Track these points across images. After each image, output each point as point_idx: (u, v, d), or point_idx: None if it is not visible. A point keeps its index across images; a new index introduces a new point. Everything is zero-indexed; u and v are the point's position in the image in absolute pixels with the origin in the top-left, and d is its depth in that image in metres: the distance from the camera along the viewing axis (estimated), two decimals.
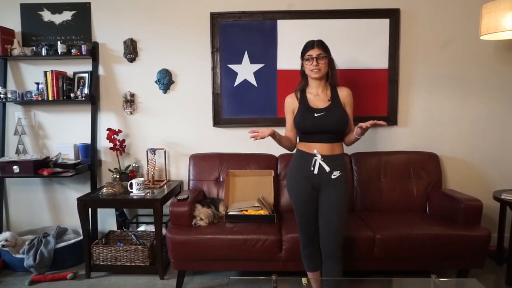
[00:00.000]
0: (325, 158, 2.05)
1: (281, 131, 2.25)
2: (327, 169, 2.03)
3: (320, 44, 2.08)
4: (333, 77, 2.14)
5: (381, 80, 3.03)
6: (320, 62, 2.06)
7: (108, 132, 3.02)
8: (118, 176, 3.04)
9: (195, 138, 3.19)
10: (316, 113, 2.07)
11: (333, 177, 2.04)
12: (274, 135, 2.08)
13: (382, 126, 3.06)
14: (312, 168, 2.06)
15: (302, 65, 2.16)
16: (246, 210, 2.68)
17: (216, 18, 3.03)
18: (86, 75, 3.11)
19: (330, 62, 2.11)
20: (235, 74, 3.08)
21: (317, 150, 2.06)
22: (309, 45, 2.09)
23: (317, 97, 2.13)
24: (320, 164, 2.04)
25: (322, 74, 2.09)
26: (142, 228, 3.11)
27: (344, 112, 2.12)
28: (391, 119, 3.06)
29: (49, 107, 3.20)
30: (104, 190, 2.75)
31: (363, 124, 1.97)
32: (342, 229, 2.07)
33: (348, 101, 2.16)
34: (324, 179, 2.06)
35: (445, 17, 2.99)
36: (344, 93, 2.15)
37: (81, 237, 2.87)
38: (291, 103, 2.19)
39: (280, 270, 2.42)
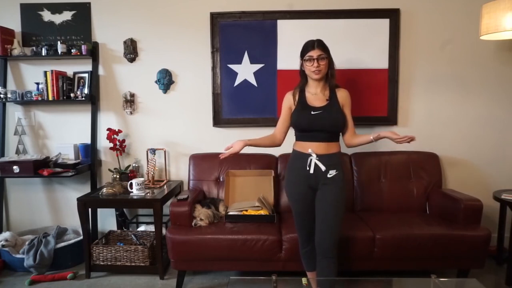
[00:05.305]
0: (320, 157, 2.06)
1: None
2: (323, 168, 2.04)
3: (320, 45, 2.07)
4: (332, 77, 2.14)
5: (381, 80, 3.03)
6: (321, 63, 2.06)
7: (108, 132, 3.02)
8: (118, 176, 3.04)
9: (195, 138, 3.19)
10: (313, 111, 2.08)
11: (329, 176, 2.05)
12: (249, 145, 2.14)
13: (381, 126, 3.09)
14: (308, 168, 2.07)
15: (301, 65, 2.16)
16: (246, 210, 2.68)
17: (216, 18, 3.03)
18: (86, 75, 3.11)
19: (330, 62, 2.11)
20: (235, 74, 3.08)
21: (312, 150, 2.07)
22: (309, 46, 2.08)
23: (315, 96, 2.14)
24: (315, 163, 2.05)
25: (323, 75, 2.10)
26: (142, 228, 3.11)
27: (341, 112, 2.12)
28: (391, 119, 3.07)
29: (49, 107, 3.20)
30: (104, 190, 2.75)
31: (387, 135, 2.04)
32: (337, 229, 2.06)
33: (346, 102, 2.17)
34: (320, 178, 2.06)
35: (445, 17, 2.99)
36: (343, 94, 2.16)
37: (81, 237, 2.87)
38: (289, 99, 2.21)
39: (280, 270, 2.43)
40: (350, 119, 2.19)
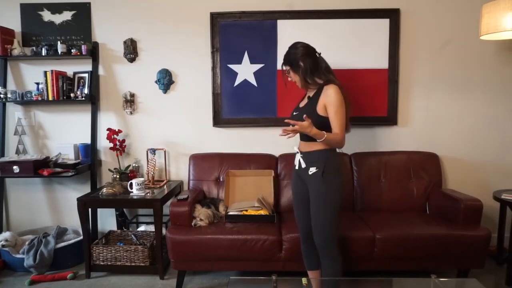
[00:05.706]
0: (303, 154, 2.10)
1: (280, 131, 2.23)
2: (303, 165, 2.09)
3: (284, 60, 2.16)
4: (308, 82, 2.11)
5: (381, 80, 3.03)
6: (290, 76, 2.17)
7: (108, 132, 3.02)
8: (118, 176, 3.04)
9: (195, 138, 3.19)
10: (295, 112, 2.18)
11: (309, 173, 2.06)
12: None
13: (381, 126, 3.10)
14: (295, 164, 2.17)
15: None
16: (246, 210, 2.68)
17: (216, 18, 3.03)
18: (86, 75, 3.11)
19: (300, 70, 2.08)
20: (235, 74, 3.08)
21: (297, 147, 2.16)
22: None
23: (305, 97, 2.22)
24: (299, 160, 2.12)
25: (301, 83, 2.15)
26: (142, 228, 3.11)
27: (314, 113, 2.01)
28: (391, 119, 3.07)
29: (49, 107, 3.20)
30: (104, 190, 2.75)
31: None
32: (323, 228, 2.03)
33: (329, 101, 1.99)
34: (305, 176, 2.10)
35: (445, 17, 2.99)
36: (326, 93, 2.02)
37: (81, 237, 2.87)
38: None
39: (280, 270, 2.43)
40: (334, 119, 1.99)
